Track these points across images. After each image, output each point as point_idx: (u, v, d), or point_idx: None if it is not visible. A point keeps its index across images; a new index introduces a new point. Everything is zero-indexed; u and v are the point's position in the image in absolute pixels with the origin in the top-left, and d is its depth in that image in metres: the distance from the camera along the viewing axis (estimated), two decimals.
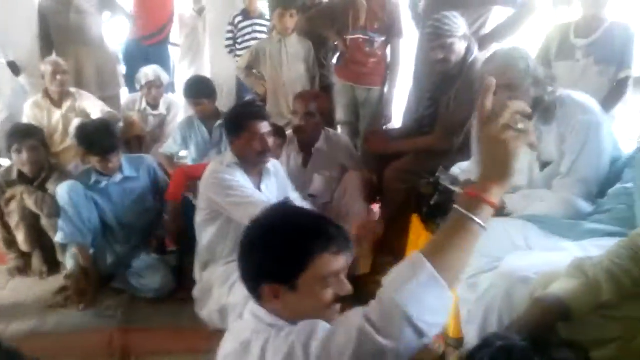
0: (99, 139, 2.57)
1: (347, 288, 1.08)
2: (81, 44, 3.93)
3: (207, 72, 4.37)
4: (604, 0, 2.39)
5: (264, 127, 2.13)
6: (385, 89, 3.19)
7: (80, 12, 3.89)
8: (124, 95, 4.39)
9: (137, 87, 3.84)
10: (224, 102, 4.30)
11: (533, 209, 1.86)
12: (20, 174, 2.75)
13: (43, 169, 2.76)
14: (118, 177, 2.62)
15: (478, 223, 0.92)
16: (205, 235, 2.20)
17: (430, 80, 2.71)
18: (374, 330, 0.90)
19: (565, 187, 1.85)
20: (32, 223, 2.74)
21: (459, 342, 1.84)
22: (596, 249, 1.48)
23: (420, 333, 0.90)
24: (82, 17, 3.91)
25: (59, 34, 3.92)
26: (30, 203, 2.68)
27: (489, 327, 1.56)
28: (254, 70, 3.44)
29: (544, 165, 1.95)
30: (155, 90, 3.80)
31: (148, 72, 3.75)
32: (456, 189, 2.10)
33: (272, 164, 2.30)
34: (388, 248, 2.53)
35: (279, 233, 1.07)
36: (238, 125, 2.14)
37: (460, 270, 0.94)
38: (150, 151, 3.78)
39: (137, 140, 3.79)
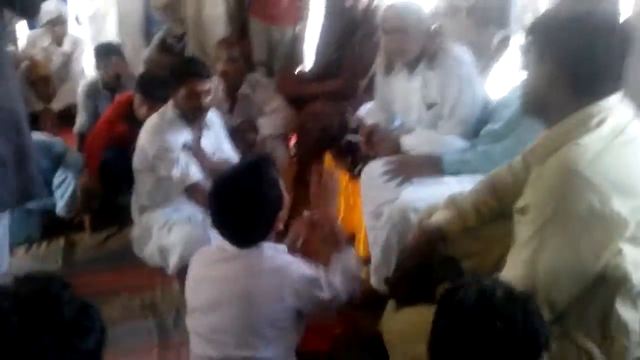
0: None
1: None
2: None
3: (112, 4, 4.21)
4: None
5: (203, 85, 2.24)
6: (297, 29, 3.35)
7: None
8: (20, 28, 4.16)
9: (39, 24, 3.68)
10: (131, 33, 4.23)
11: (423, 148, 2.22)
12: None
13: None
14: None
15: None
16: (144, 181, 2.36)
17: (337, 25, 2.93)
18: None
19: (447, 127, 2.24)
20: None
21: (366, 260, 2.25)
22: (470, 182, 1.88)
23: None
24: None
25: None
26: None
27: (390, 248, 1.97)
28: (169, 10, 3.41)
29: (429, 106, 2.30)
30: (59, 27, 3.69)
31: (50, 8, 3.59)
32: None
33: (209, 115, 2.43)
34: (304, 183, 2.85)
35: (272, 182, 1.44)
36: (178, 80, 2.25)
37: None
38: (58, 92, 3.73)
39: (43, 81, 3.71)
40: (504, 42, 2.66)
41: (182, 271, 2.18)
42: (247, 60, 2.91)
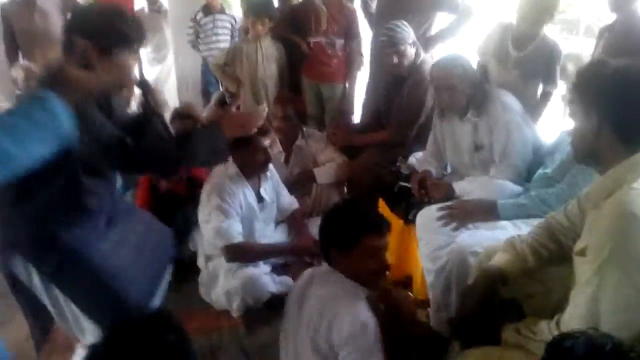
0: None
1: (386, 263, 1.68)
2: (46, 45, 4.02)
3: (171, 67, 4.58)
4: (538, 24, 2.60)
5: (265, 141, 2.43)
6: (347, 86, 3.54)
7: (44, 14, 3.98)
8: None
9: None
10: (190, 94, 4.58)
11: (477, 193, 2.31)
12: None
13: None
14: None
15: None
16: (207, 233, 2.46)
17: (385, 80, 3.09)
18: None
19: (499, 172, 2.35)
20: None
21: (425, 302, 2.31)
22: (526, 226, 1.96)
23: None
24: (46, 18, 4.00)
25: (23, 37, 4.00)
26: None
27: (449, 290, 2.04)
28: (227, 68, 3.66)
29: (478, 148, 2.44)
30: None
31: None
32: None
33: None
34: None
35: (344, 218, 1.68)
36: (242, 139, 2.39)
37: None
38: None
39: None
40: (547, 96, 2.74)
41: (245, 313, 2.38)
42: (301, 116, 3.10)
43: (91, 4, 1.56)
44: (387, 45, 2.83)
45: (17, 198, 1.53)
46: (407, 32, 2.82)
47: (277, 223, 2.75)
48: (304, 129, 3.15)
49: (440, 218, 2.20)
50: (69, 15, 4.26)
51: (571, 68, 2.83)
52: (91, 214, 1.68)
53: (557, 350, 1.05)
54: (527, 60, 2.65)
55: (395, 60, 2.84)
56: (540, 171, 2.25)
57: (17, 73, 3.66)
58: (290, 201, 2.75)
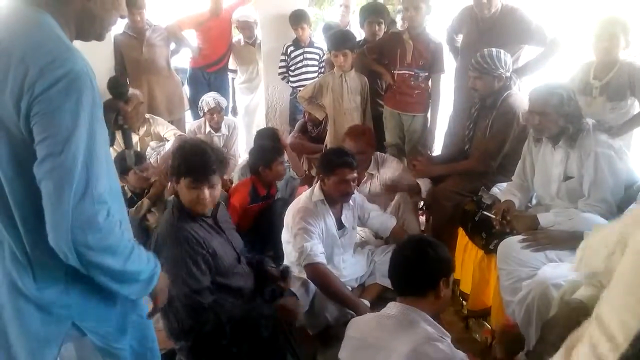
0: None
1: None
2: (152, 73, 4.40)
3: (262, 96, 4.86)
4: (614, 50, 2.70)
5: (350, 174, 2.55)
6: (428, 116, 3.58)
7: (151, 46, 4.38)
8: (188, 117, 4.96)
9: (200, 114, 4.34)
10: (278, 121, 4.81)
11: (564, 225, 2.26)
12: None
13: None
14: None
15: None
16: (289, 253, 2.63)
17: (470, 109, 3.11)
18: None
19: (588, 206, 2.30)
20: None
21: None
22: None
23: None
24: (153, 49, 4.40)
25: (133, 66, 4.42)
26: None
27: (529, 322, 2.00)
28: (313, 100, 3.82)
29: (567, 178, 2.41)
30: (216, 115, 4.28)
31: (208, 100, 4.22)
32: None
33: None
34: None
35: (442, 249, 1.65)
36: (329, 169, 2.56)
37: None
38: None
39: None
40: None
41: (321, 331, 2.48)
42: (372, 148, 3.17)
43: None
44: (470, 68, 2.87)
45: None
46: (496, 64, 2.78)
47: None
48: (377, 154, 3.22)
49: (523, 241, 2.20)
50: (172, 46, 4.74)
51: None
52: None
53: None
54: (609, 86, 2.74)
55: (470, 84, 2.89)
56: (631, 207, 2.18)
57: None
58: (382, 220, 2.84)
